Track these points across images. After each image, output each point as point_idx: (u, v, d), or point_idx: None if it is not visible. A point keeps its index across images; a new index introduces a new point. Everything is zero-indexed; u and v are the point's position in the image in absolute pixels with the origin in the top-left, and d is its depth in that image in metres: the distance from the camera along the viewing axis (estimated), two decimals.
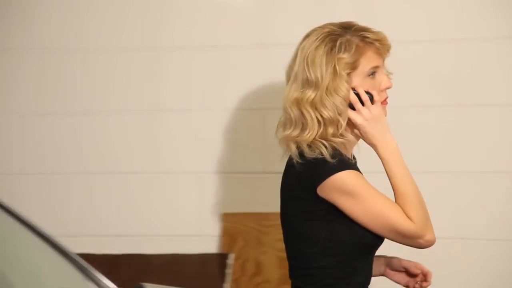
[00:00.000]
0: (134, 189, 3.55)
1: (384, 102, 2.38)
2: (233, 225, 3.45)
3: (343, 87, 2.31)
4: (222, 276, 3.38)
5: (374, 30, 2.37)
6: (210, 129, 3.51)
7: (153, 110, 3.54)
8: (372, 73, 2.35)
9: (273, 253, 3.41)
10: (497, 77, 3.29)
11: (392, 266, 2.50)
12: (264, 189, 3.45)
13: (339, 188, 2.29)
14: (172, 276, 3.40)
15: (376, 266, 2.46)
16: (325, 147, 2.31)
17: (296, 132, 2.34)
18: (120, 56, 3.53)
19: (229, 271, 3.39)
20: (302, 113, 2.33)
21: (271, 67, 3.44)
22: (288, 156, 2.38)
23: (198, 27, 3.49)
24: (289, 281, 3.42)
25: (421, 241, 2.31)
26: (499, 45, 3.29)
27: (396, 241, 2.34)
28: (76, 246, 3.34)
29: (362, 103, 2.34)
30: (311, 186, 2.31)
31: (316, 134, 2.31)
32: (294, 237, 2.39)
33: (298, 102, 2.34)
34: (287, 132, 2.36)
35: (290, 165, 2.38)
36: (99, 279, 1.88)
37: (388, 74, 2.39)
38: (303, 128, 2.33)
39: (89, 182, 3.55)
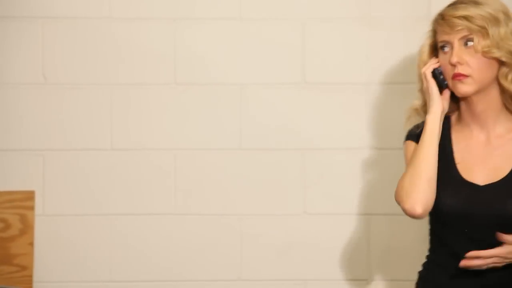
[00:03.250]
0: None
1: (453, 77, 2.48)
2: None
3: (420, 65, 2.59)
4: None
5: (454, 5, 2.49)
6: None
7: None
8: (442, 47, 2.50)
9: None
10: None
11: None
12: None
13: None
14: None
15: None
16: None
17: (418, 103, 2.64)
18: None
19: None
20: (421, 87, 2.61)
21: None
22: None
23: None
24: (6, 262, 3.34)
25: (402, 207, 2.49)
26: None
27: None
28: None
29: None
30: None
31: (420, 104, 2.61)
32: None
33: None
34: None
35: None
36: None
37: (462, 49, 2.46)
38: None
39: None
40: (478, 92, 2.47)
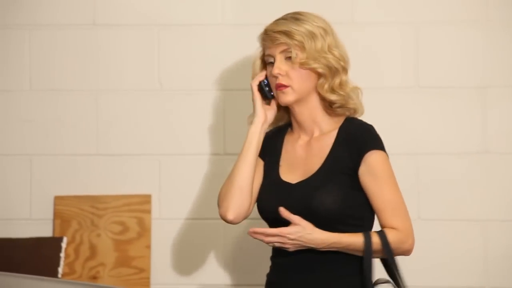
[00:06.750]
0: None
1: (275, 87, 2.62)
2: (66, 208, 3.40)
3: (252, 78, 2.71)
4: (56, 260, 3.33)
5: (276, 21, 2.62)
6: (38, 110, 3.42)
7: None
8: (268, 61, 2.63)
9: (107, 236, 3.39)
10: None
11: None
12: (97, 171, 3.41)
13: None
14: (2, 261, 3.31)
15: None
16: None
17: None
18: None
19: (62, 254, 3.34)
20: None
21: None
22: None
23: None
24: (124, 264, 3.41)
25: (219, 212, 2.67)
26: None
27: None
28: None
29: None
30: None
31: None
32: None
33: None
34: None
35: None
36: None
37: (283, 62, 2.59)
38: None
39: None
40: (299, 101, 2.61)
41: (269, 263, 3.32)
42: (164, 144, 3.41)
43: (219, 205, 2.65)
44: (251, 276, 3.37)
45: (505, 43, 3.29)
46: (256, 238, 2.49)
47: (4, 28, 3.43)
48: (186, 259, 3.40)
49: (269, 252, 3.32)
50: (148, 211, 3.40)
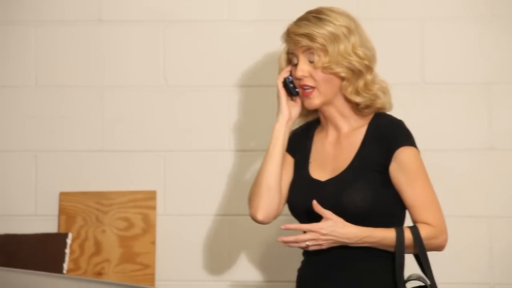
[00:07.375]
0: None
1: (300, 87, 2.59)
2: (71, 204, 3.40)
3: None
4: (61, 256, 3.33)
5: (298, 22, 2.56)
6: (43, 106, 3.42)
7: None
8: (292, 60, 2.59)
9: (112, 232, 3.39)
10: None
11: None
12: (102, 167, 3.41)
13: None
14: (7, 257, 3.32)
15: None
16: None
17: None
18: None
19: (67, 250, 3.35)
20: None
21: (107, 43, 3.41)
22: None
23: None
24: (129, 260, 3.41)
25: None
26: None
27: None
28: None
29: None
30: None
31: None
32: None
33: None
34: None
35: None
36: None
37: (307, 63, 2.55)
38: None
39: None
40: (325, 103, 2.59)
41: (272, 260, 3.34)
42: (169, 140, 3.41)
43: (249, 206, 2.62)
44: (256, 272, 3.38)
45: (510, 39, 3.29)
46: (291, 247, 2.48)
47: (9, 24, 3.44)
48: (191, 255, 3.40)
49: (271, 251, 3.34)
50: (153, 207, 3.40)
